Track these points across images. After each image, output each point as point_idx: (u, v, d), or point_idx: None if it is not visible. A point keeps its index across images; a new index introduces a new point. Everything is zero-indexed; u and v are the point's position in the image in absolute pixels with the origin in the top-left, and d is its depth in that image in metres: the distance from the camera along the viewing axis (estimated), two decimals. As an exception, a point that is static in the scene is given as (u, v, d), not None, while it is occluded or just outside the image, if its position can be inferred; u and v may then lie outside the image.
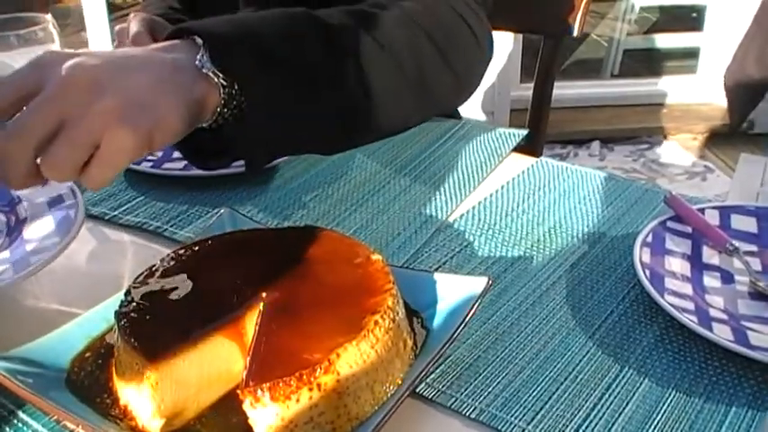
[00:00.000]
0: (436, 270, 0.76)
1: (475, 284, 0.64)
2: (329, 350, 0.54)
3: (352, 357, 0.54)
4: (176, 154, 1.00)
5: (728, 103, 2.13)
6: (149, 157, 0.99)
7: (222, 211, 0.77)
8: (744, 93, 2.03)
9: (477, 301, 0.62)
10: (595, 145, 3.13)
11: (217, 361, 0.59)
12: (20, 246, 0.73)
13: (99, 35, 3.16)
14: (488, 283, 0.63)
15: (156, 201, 0.91)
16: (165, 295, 0.62)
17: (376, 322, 0.56)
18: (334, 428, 0.54)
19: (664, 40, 3.69)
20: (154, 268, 0.65)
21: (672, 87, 3.34)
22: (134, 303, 0.61)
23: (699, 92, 3.29)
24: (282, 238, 0.68)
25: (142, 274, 0.65)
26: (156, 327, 0.59)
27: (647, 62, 3.63)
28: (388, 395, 0.57)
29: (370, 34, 0.74)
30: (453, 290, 0.65)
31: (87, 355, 0.63)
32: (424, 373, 0.57)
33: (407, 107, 0.80)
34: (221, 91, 0.63)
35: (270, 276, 0.62)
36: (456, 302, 0.63)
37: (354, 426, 0.55)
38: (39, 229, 0.75)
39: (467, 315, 0.61)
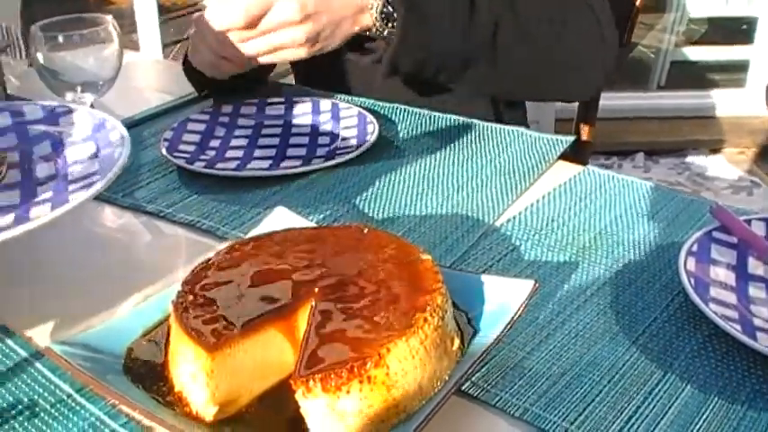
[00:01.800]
0: (483, 272, 0.77)
1: (521, 287, 0.65)
2: (380, 344, 0.55)
3: (402, 353, 0.56)
4: (229, 154, 1.03)
5: None
6: (201, 157, 1.01)
7: (276, 208, 0.79)
8: None
9: (523, 303, 0.63)
10: (640, 157, 3.12)
11: (270, 352, 0.61)
12: (63, 185, 0.79)
13: (149, 36, 3.22)
14: (534, 286, 0.64)
15: (209, 200, 0.93)
16: (220, 287, 0.64)
17: (425, 320, 0.58)
18: (383, 420, 0.55)
19: (712, 53, 3.65)
20: (209, 261, 0.67)
21: (719, 100, 3.31)
22: (191, 295, 0.63)
23: (747, 105, 3.25)
24: (335, 235, 0.70)
25: (198, 266, 0.67)
26: (211, 317, 0.60)
27: (695, 74, 3.60)
28: (435, 391, 0.58)
29: (515, 13, 1.01)
30: (500, 292, 0.66)
31: (144, 343, 0.65)
32: (470, 371, 0.59)
33: (531, 78, 1.11)
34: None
35: (322, 272, 0.64)
36: (503, 304, 0.64)
37: (402, 419, 0.56)
38: (83, 170, 0.82)
39: (514, 317, 0.62)
